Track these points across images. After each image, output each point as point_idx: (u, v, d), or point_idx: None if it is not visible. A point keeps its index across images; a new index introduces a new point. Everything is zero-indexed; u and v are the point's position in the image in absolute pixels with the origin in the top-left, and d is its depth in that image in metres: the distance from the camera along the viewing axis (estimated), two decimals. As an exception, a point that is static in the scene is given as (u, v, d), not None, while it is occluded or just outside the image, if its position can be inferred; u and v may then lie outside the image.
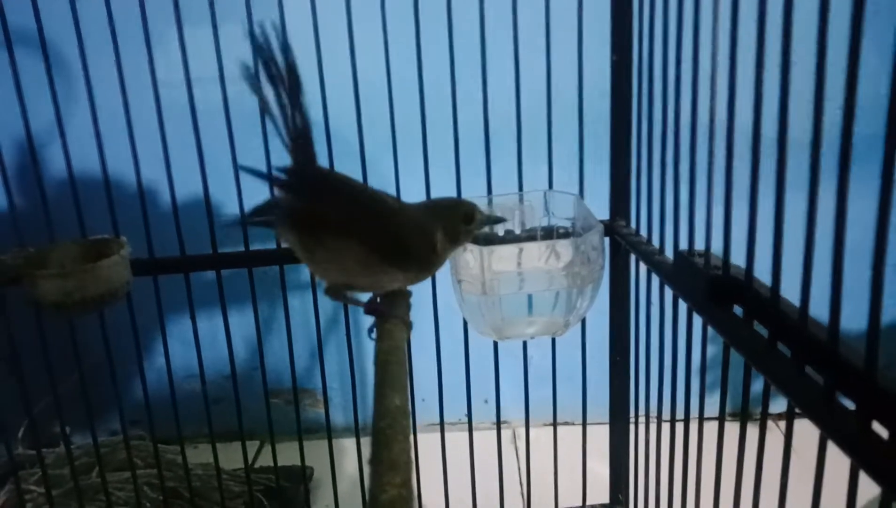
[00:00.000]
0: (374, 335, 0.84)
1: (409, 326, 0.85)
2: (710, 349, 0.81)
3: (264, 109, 0.84)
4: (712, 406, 0.81)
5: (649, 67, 0.95)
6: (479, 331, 1.01)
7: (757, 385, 0.68)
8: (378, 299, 0.89)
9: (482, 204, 1.05)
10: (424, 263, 0.85)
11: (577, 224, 1.03)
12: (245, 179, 1.07)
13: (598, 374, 1.22)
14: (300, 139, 0.84)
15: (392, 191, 1.09)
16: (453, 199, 0.92)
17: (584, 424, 1.20)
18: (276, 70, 0.81)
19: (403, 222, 0.84)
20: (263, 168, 1.05)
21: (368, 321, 0.89)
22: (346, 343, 1.18)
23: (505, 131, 1.09)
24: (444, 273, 1.00)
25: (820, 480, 0.60)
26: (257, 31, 0.80)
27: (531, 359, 1.21)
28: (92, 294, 0.97)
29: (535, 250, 1.00)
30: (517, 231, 1.07)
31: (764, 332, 0.67)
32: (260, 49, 0.80)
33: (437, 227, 0.84)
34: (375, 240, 0.80)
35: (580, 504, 1.28)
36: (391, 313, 0.85)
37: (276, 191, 0.87)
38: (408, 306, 0.89)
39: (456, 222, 0.85)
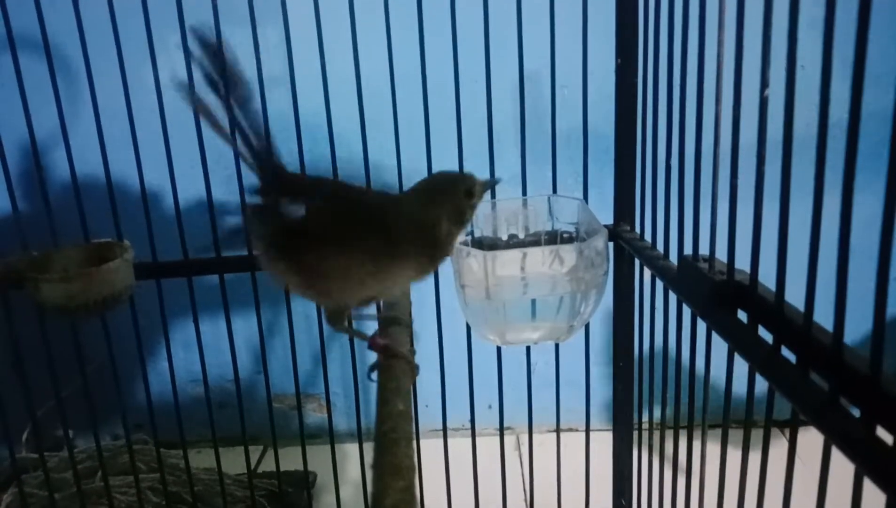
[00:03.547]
0: (374, 377, 0.78)
1: (414, 368, 0.81)
2: (715, 355, 0.81)
3: (226, 129, 0.78)
4: (716, 413, 0.81)
5: (654, 71, 0.95)
6: (483, 336, 1.00)
7: (761, 392, 0.67)
8: (379, 335, 0.84)
9: (485, 208, 1.05)
10: (430, 257, 0.79)
11: (581, 229, 1.03)
12: (248, 182, 1.07)
13: (601, 380, 1.22)
14: (262, 151, 0.78)
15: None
16: (449, 175, 0.82)
17: (588, 430, 1.20)
18: (215, 77, 0.75)
19: (404, 217, 0.77)
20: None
21: (370, 323, 0.89)
22: (349, 348, 1.18)
23: (509, 135, 1.09)
24: (447, 278, 1.00)
25: (824, 487, 0.60)
26: (190, 38, 0.75)
27: (535, 365, 1.20)
28: (95, 298, 0.97)
29: (538, 254, 1.00)
30: (521, 236, 1.07)
31: (768, 337, 0.66)
32: (205, 54, 0.75)
33: (440, 213, 0.77)
34: (384, 246, 0.75)
35: (583, 510, 1.28)
36: (397, 352, 0.80)
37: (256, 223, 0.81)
38: (410, 339, 0.86)
39: (459, 201, 0.78)
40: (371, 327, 0.89)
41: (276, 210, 0.77)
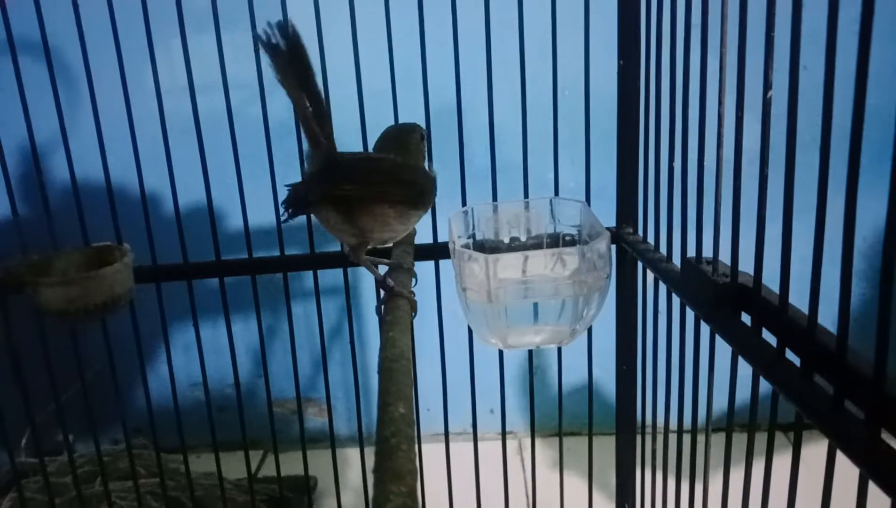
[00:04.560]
0: (381, 310, 0.89)
1: (414, 304, 0.92)
2: (718, 358, 0.81)
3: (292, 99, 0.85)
4: (720, 416, 0.80)
5: (656, 72, 0.95)
6: (484, 340, 1.00)
7: (765, 395, 0.67)
8: (386, 276, 0.94)
9: (487, 210, 1.05)
10: (432, 195, 0.94)
11: (583, 231, 1.03)
12: (248, 186, 1.07)
13: (604, 384, 1.22)
14: (320, 119, 0.87)
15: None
16: (405, 126, 0.97)
17: (591, 434, 1.19)
18: (284, 59, 0.81)
19: (414, 172, 0.92)
20: (267, 174, 1.05)
21: (371, 327, 0.89)
22: (350, 352, 1.18)
23: (511, 137, 1.08)
24: (448, 281, 0.99)
25: (829, 491, 0.60)
26: (262, 30, 0.79)
27: (537, 369, 1.20)
28: (95, 302, 0.96)
29: (540, 257, 0.99)
30: (523, 239, 1.06)
31: (772, 340, 0.66)
32: (266, 44, 0.80)
33: (421, 159, 0.95)
34: (404, 195, 0.88)
35: (586, 515, 1.27)
36: (399, 291, 0.90)
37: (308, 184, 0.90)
38: (411, 280, 0.97)
39: (423, 148, 0.96)
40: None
41: (329, 178, 0.87)
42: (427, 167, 0.98)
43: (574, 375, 1.17)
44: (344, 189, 0.86)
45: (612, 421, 1.22)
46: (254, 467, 1.48)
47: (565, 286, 0.92)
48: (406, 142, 0.95)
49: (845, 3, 0.52)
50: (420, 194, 0.91)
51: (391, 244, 1.01)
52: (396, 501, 0.50)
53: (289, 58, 0.80)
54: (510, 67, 1.05)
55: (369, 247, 0.92)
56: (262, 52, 0.79)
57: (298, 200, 0.86)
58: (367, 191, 0.87)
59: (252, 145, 1.03)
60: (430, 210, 1.08)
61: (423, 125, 1.05)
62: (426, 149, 0.97)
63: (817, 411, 0.56)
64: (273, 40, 0.78)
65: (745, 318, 0.72)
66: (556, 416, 1.19)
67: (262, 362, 1.18)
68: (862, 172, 0.51)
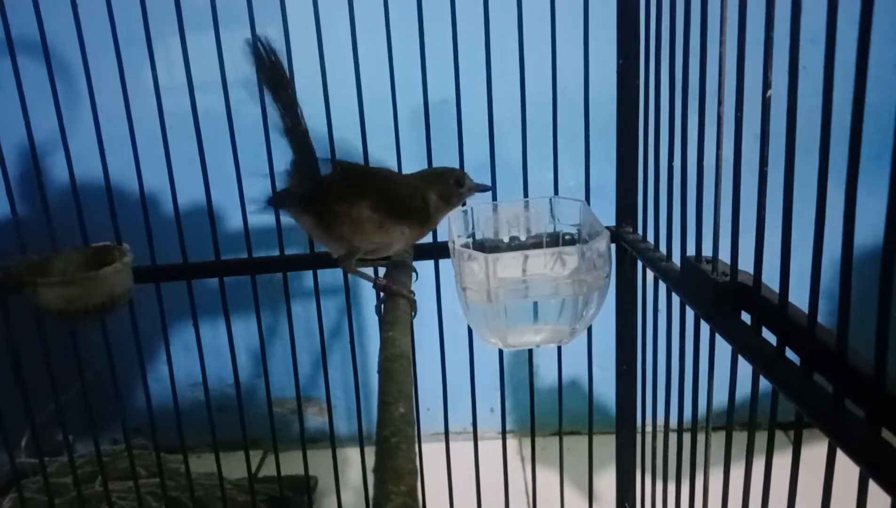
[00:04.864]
0: (381, 310, 0.92)
1: (413, 304, 0.95)
2: (718, 357, 0.81)
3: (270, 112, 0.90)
4: (720, 415, 0.80)
5: (656, 71, 0.95)
6: (484, 339, 1.00)
7: (765, 394, 0.67)
8: (384, 277, 0.97)
9: (487, 210, 1.05)
10: (422, 219, 0.98)
11: (583, 231, 1.03)
12: (247, 185, 1.07)
13: (604, 383, 1.21)
14: (299, 135, 0.92)
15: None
16: (445, 167, 1.02)
17: (591, 433, 1.19)
18: (270, 75, 0.88)
19: (402, 187, 0.97)
20: (265, 172, 1.05)
21: (371, 327, 0.88)
22: (350, 351, 1.18)
23: (510, 137, 1.08)
24: (448, 281, 0.99)
25: (829, 489, 0.60)
26: (257, 42, 0.85)
27: (537, 368, 1.20)
28: (94, 302, 0.96)
29: (540, 257, 0.99)
30: (522, 238, 1.06)
31: (772, 339, 0.66)
32: (259, 59, 0.86)
33: (430, 189, 0.98)
34: (384, 205, 0.93)
35: (586, 514, 1.27)
36: (397, 291, 0.93)
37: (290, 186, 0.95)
38: (410, 279, 1.01)
39: (448, 186, 0.99)
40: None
41: (308, 181, 0.93)
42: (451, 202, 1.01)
43: (574, 374, 1.17)
44: (319, 195, 0.91)
45: (612, 421, 1.22)
46: (254, 467, 1.48)
47: (565, 286, 0.92)
48: (441, 177, 0.99)
49: (844, 3, 0.52)
50: (408, 210, 0.95)
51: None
52: (396, 501, 0.50)
53: (270, 71, 0.86)
54: (510, 66, 1.05)
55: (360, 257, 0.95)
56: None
57: (278, 198, 0.92)
58: (340, 196, 0.92)
59: (251, 145, 1.03)
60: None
61: (425, 127, 1.06)
62: (459, 193, 1.00)
63: (817, 410, 0.56)
64: (263, 53, 0.84)
65: (745, 317, 0.72)
66: (556, 415, 1.19)
67: (261, 362, 1.18)
68: (861, 171, 0.51)
